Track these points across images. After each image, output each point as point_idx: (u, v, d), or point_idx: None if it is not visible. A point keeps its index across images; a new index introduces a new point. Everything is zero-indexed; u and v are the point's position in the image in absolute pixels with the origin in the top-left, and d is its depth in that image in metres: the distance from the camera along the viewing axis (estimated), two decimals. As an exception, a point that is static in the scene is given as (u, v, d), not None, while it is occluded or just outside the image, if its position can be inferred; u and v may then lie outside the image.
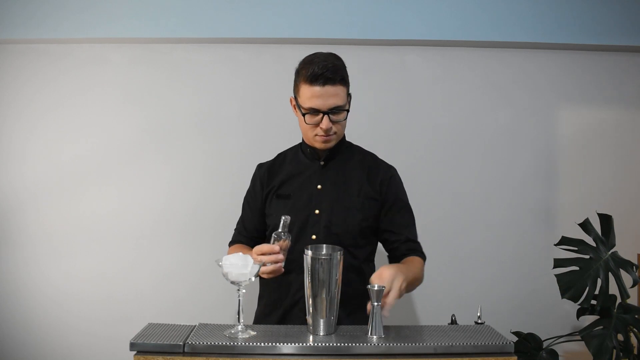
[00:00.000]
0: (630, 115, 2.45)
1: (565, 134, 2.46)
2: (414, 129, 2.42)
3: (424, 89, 2.43)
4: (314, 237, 1.67)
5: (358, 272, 1.67)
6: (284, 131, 2.35)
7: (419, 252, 1.70)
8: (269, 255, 1.51)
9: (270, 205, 1.74)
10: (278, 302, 1.69)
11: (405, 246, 1.69)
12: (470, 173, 2.44)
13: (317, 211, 1.68)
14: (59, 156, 2.39)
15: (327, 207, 1.69)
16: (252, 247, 1.75)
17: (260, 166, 1.84)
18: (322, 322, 1.37)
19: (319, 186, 1.71)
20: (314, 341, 1.31)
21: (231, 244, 1.84)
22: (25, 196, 2.38)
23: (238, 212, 1.86)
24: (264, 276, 1.55)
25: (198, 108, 2.40)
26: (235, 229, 1.86)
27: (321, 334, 1.36)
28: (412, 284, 1.53)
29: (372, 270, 1.71)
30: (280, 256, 1.52)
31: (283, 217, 1.55)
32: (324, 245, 1.46)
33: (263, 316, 1.74)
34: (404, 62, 2.42)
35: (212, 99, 2.40)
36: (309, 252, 1.38)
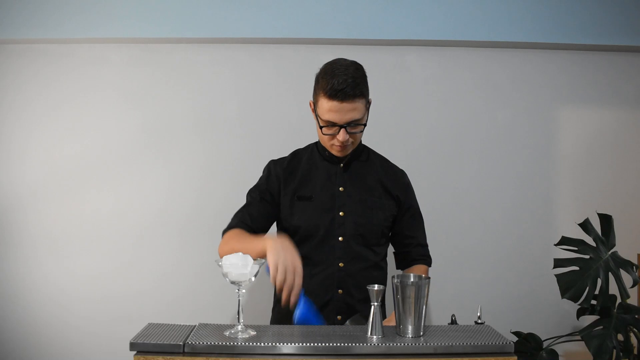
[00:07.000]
0: (629, 115, 2.45)
1: (565, 134, 2.46)
2: (412, 128, 2.42)
3: (423, 89, 2.43)
4: (340, 238, 1.68)
5: (379, 269, 1.75)
6: (283, 131, 2.37)
7: (426, 257, 1.83)
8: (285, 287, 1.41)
9: (292, 206, 1.72)
10: None
11: (416, 251, 1.81)
12: (470, 173, 2.44)
13: (341, 213, 1.69)
14: (59, 156, 2.39)
15: (352, 208, 1.70)
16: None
17: (275, 162, 1.79)
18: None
19: (340, 188, 1.72)
20: (314, 341, 1.30)
21: (227, 230, 1.69)
22: (26, 196, 2.38)
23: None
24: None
25: (197, 108, 2.40)
26: (235, 217, 1.72)
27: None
28: None
29: (386, 266, 1.81)
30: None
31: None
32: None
33: (283, 320, 1.66)
34: (403, 62, 2.42)
35: (211, 99, 2.40)
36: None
